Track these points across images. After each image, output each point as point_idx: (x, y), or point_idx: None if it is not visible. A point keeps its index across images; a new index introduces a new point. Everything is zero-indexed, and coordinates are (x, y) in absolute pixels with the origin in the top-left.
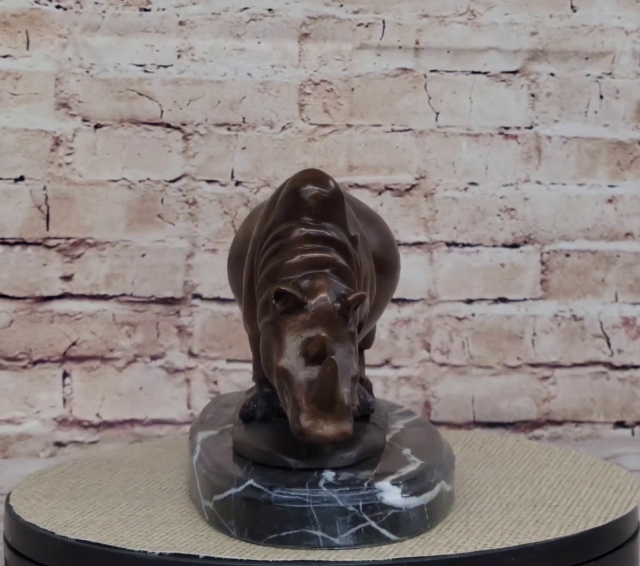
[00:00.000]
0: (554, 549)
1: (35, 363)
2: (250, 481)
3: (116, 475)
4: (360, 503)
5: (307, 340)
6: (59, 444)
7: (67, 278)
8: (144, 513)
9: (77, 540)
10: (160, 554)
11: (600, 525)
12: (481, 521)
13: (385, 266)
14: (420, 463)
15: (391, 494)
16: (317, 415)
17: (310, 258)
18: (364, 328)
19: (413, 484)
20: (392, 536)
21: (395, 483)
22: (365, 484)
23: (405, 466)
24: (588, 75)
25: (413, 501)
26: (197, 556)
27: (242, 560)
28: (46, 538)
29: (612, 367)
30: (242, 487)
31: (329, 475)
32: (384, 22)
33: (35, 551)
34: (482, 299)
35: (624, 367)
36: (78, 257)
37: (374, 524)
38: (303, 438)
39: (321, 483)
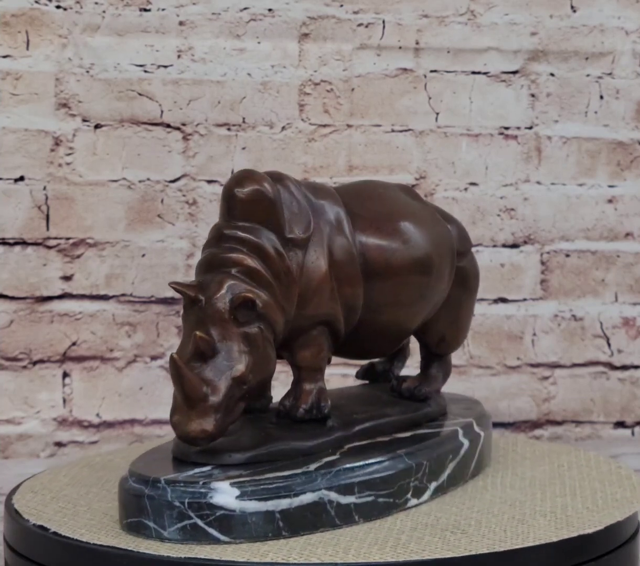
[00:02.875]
0: (555, 549)
1: (35, 363)
2: (127, 470)
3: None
4: (186, 500)
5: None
6: (59, 444)
7: (67, 278)
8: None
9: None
10: (33, 525)
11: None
12: (355, 538)
13: (385, 269)
14: (302, 471)
15: (224, 495)
16: (183, 412)
17: (220, 257)
18: (375, 333)
19: (262, 489)
20: (223, 537)
21: (236, 485)
22: (201, 482)
23: (281, 472)
24: (588, 75)
25: (253, 506)
26: (48, 530)
27: (71, 538)
28: (46, 538)
29: (612, 367)
30: (124, 475)
31: (195, 471)
32: (384, 22)
33: (35, 551)
34: (482, 299)
35: (624, 367)
36: (78, 257)
37: (200, 522)
38: (175, 433)
39: (167, 476)
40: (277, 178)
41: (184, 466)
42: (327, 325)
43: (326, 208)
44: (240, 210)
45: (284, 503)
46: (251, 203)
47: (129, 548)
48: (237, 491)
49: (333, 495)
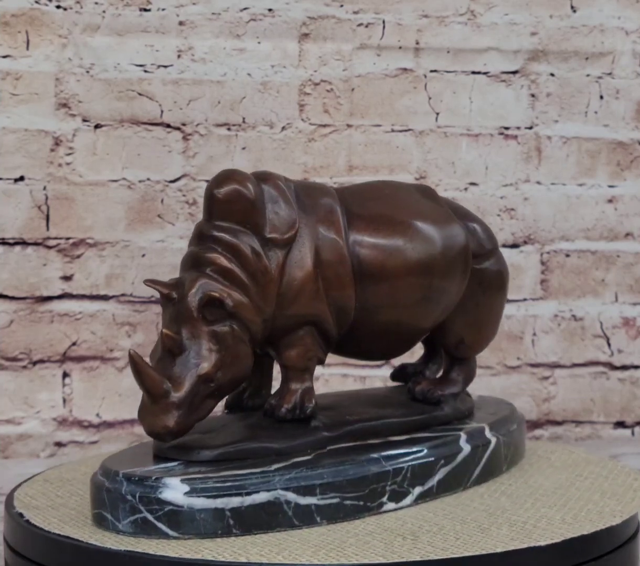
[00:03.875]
0: (555, 549)
1: (35, 363)
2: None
3: None
4: (138, 494)
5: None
6: (59, 444)
7: (67, 278)
8: None
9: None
10: (16, 512)
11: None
12: (303, 540)
13: (380, 271)
14: (260, 470)
15: (173, 491)
16: (147, 408)
17: (198, 256)
18: (373, 333)
19: (212, 487)
20: (172, 533)
21: (187, 481)
22: (154, 477)
23: (240, 470)
24: (588, 75)
25: (201, 503)
26: (22, 516)
27: (36, 526)
28: (46, 538)
29: (612, 367)
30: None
31: (159, 466)
32: (384, 22)
33: (35, 551)
34: None
35: (624, 367)
36: (78, 257)
37: (150, 516)
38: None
39: (126, 470)
40: (262, 178)
41: (153, 461)
42: (314, 325)
43: (320, 208)
44: (219, 210)
45: (235, 502)
46: (229, 204)
47: (79, 539)
48: (186, 488)
49: (290, 496)
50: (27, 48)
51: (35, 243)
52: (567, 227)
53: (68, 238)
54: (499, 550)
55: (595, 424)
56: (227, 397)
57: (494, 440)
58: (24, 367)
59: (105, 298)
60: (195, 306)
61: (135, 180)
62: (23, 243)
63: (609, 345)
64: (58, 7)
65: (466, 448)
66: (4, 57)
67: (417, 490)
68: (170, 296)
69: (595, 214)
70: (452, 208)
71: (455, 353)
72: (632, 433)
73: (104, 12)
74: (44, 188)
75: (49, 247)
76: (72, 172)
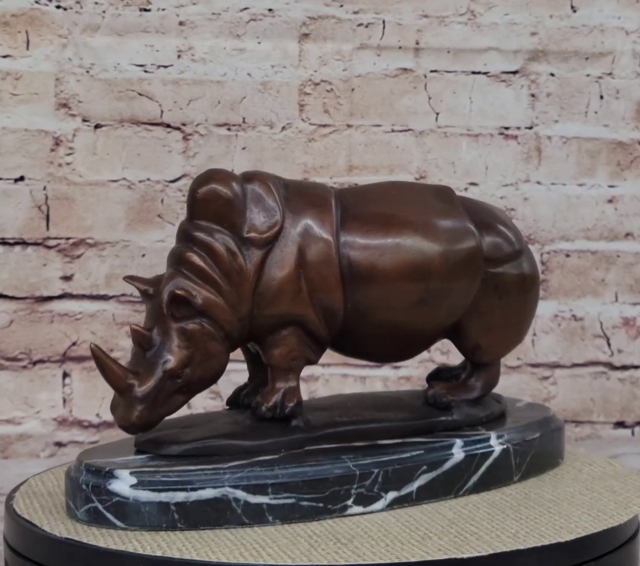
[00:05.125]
0: (555, 549)
1: (35, 363)
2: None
3: None
4: (91, 484)
5: None
6: (59, 444)
7: (67, 278)
8: None
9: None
10: (11, 496)
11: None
12: (238, 538)
13: (371, 272)
14: (212, 467)
15: (121, 483)
16: (116, 401)
17: (176, 254)
18: (368, 336)
19: (158, 480)
20: (119, 523)
21: (136, 474)
22: (107, 469)
23: (192, 466)
24: (588, 75)
25: (146, 495)
26: (11, 499)
27: (15, 511)
28: (46, 538)
29: (612, 367)
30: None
31: (125, 458)
32: (384, 22)
33: (35, 551)
34: None
35: (624, 367)
36: (78, 257)
37: (100, 506)
38: None
39: (89, 461)
40: (248, 178)
41: (125, 454)
42: (299, 325)
43: (313, 208)
44: (197, 209)
45: (179, 496)
46: (206, 203)
47: (36, 523)
48: (134, 480)
49: (239, 493)
50: (27, 48)
51: (35, 243)
52: (567, 227)
53: (68, 238)
54: (413, 560)
55: (595, 424)
56: (231, 393)
57: (499, 449)
58: (24, 367)
59: (105, 298)
60: (164, 303)
61: (135, 180)
62: (23, 243)
63: (609, 345)
64: (58, 7)
65: (459, 455)
66: (4, 57)
67: (391, 495)
68: (147, 292)
69: (595, 214)
70: (473, 209)
71: (473, 358)
72: (632, 433)
73: (104, 12)
74: (44, 188)
75: (49, 247)
76: (72, 172)
